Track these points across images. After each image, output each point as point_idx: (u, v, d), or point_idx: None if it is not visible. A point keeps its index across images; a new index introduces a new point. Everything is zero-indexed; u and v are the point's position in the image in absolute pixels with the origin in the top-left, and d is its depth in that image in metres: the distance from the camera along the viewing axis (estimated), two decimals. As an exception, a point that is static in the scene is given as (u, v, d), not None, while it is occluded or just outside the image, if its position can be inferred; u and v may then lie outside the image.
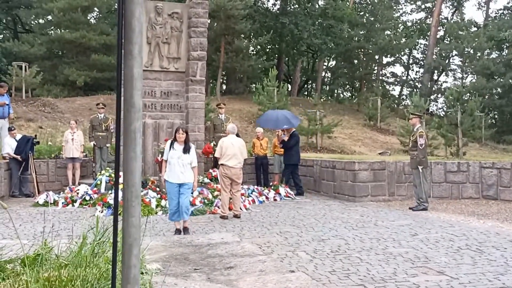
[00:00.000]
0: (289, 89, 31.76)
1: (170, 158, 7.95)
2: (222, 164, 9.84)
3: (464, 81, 36.89)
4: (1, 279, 1.61)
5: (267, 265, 1.97)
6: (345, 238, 7.56)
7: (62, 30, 26.36)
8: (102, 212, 10.03)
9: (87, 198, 11.24)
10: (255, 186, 13.23)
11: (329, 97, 42.67)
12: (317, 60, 37.82)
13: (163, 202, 10.49)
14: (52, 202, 11.20)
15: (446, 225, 8.79)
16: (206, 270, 2.01)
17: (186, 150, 7.96)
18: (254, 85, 31.12)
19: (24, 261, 1.66)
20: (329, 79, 44.14)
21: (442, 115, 24.93)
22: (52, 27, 29.32)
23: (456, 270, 5.66)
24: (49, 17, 28.46)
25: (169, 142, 8.24)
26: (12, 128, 13.15)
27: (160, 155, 12.33)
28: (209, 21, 14.91)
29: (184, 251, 2.11)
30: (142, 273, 1.79)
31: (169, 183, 7.98)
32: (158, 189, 11.33)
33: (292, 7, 31.84)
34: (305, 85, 45.41)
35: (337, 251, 6.62)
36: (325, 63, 40.41)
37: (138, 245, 1.04)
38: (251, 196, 11.94)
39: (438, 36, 37.71)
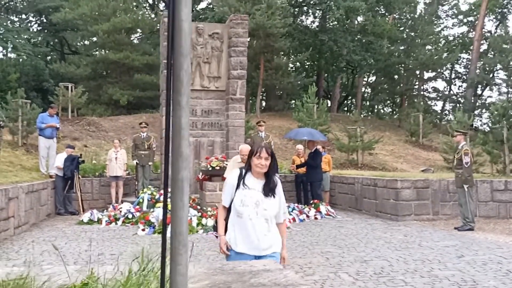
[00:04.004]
0: (329, 105, 31.65)
1: (240, 205, 3.92)
2: None
3: (509, 95, 35.80)
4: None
5: (311, 296, 1.96)
6: (388, 259, 7.39)
7: (107, 51, 27.22)
8: (144, 230, 10.17)
9: (130, 216, 11.43)
10: (296, 204, 13.17)
11: (369, 113, 42.23)
12: (356, 76, 37.58)
13: (203, 221, 10.54)
14: (96, 220, 11.44)
15: (494, 246, 8.49)
16: (249, 300, 2.02)
17: (271, 190, 3.98)
18: (293, 101, 31.16)
19: (71, 290, 1.70)
20: (369, 94, 43.74)
21: (487, 131, 24.22)
22: (97, 49, 30.32)
23: (506, 295, 5.44)
24: (94, 39, 29.43)
25: (235, 172, 4.14)
26: (72, 147, 13.65)
27: (201, 174, 12.44)
28: (248, 40, 15.09)
29: (226, 279, 2.11)
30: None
31: (238, 255, 3.89)
32: (199, 207, 11.41)
33: (331, 24, 31.82)
34: (345, 101, 45.13)
35: (381, 273, 6.48)
36: (365, 79, 40.11)
37: (185, 293, 1.05)
38: (291, 215, 11.88)
39: (481, 50, 36.83)
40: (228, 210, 4.07)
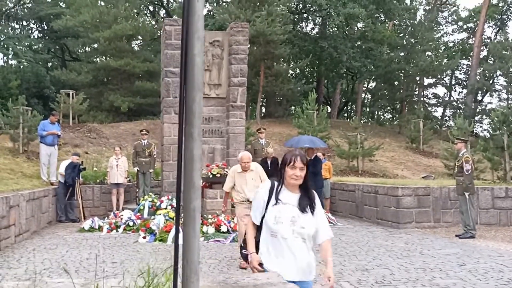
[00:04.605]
0: (329, 112, 31.70)
1: (274, 223, 3.41)
2: None
3: (510, 102, 35.85)
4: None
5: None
6: (389, 267, 7.39)
7: (108, 58, 27.30)
8: (145, 238, 10.16)
9: (131, 223, 11.43)
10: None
11: (370, 119, 42.30)
12: (356, 82, 37.68)
13: (204, 228, 10.54)
14: (97, 227, 11.43)
15: (495, 254, 8.49)
16: (253, 315, 2.03)
17: (308, 204, 3.48)
18: (293, 108, 31.20)
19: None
20: (369, 101, 43.82)
21: (487, 138, 24.23)
22: (98, 55, 30.40)
23: (508, 304, 5.44)
24: (95, 46, 29.51)
25: (266, 185, 3.62)
26: (78, 155, 13.71)
27: (201, 181, 12.43)
28: (248, 47, 15.14)
29: (231, 293, 2.13)
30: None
31: None
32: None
33: (331, 30, 31.94)
34: (345, 107, 45.22)
35: (382, 282, 6.48)
36: (365, 85, 40.22)
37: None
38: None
39: (481, 56, 36.93)
40: (259, 227, 3.56)
